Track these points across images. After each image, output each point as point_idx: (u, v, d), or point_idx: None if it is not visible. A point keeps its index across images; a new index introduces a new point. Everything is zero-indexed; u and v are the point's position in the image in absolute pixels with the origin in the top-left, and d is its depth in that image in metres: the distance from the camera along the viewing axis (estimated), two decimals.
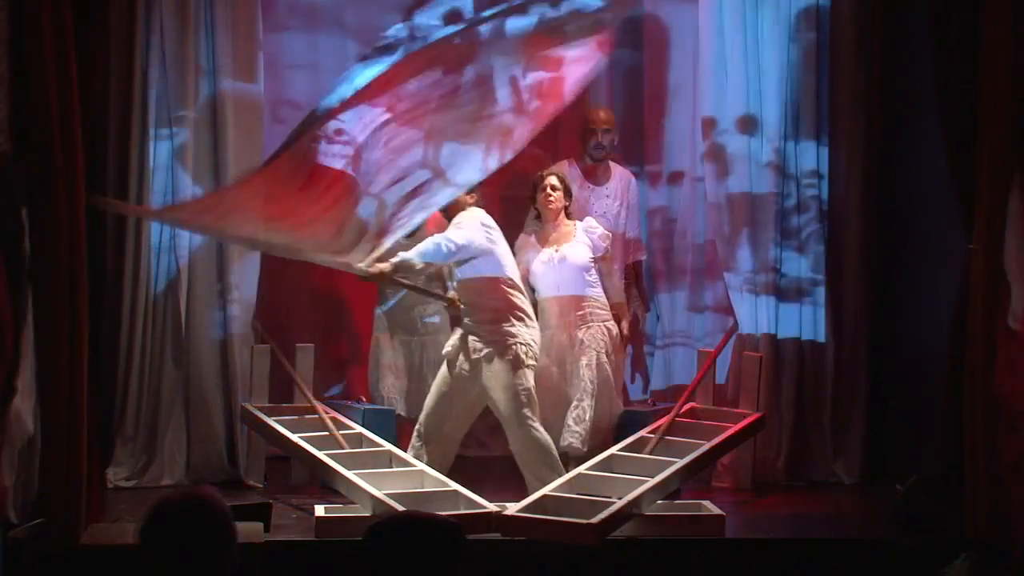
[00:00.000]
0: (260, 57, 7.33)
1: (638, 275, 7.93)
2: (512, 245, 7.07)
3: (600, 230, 7.14)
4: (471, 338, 6.76)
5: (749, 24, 7.45)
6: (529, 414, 6.64)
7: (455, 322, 6.98)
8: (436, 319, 7.45)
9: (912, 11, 7.15)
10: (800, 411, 7.51)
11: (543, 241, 7.19)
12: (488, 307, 6.75)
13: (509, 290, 6.77)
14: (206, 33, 7.20)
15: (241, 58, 7.26)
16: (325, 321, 8.28)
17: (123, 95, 7.06)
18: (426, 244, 6.68)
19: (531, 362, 6.72)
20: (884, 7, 7.50)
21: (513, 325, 6.71)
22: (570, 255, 7.07)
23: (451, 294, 6.93)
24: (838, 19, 7.46)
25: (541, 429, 6.67)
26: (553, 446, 6.70)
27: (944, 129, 6.24)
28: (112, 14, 6.80)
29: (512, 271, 6.83)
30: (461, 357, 6.78)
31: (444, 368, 6.87)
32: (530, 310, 6.85)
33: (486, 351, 6.70)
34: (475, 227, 6.73)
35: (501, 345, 6.69)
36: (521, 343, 6.70)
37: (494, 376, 6.69)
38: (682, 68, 8.16)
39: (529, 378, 6.69)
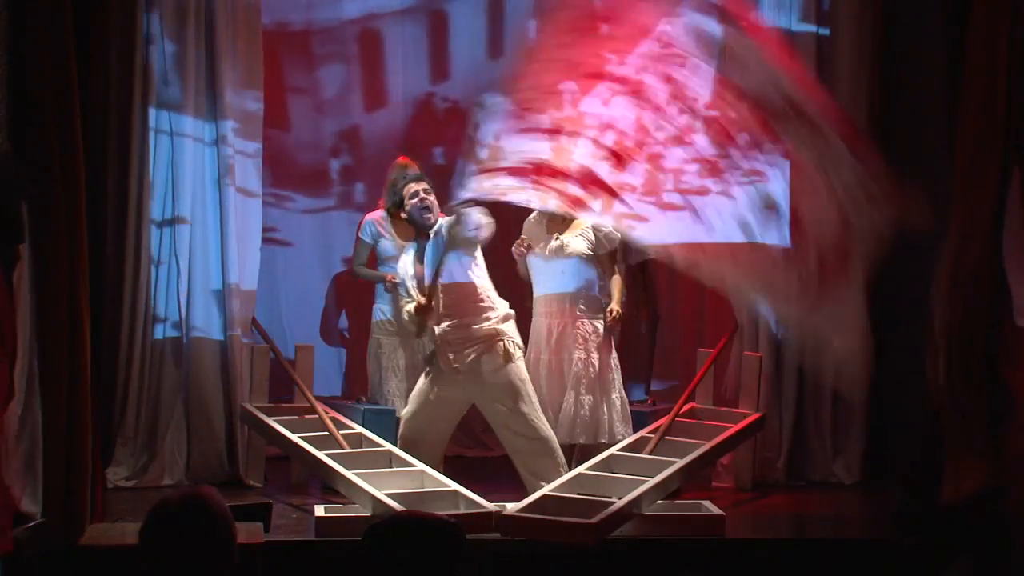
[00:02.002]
0: (260, 55, 7.33)
1: (645, 275, 7.92)
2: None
3: (607, 228, 7.11)
4: (453, 346, 6.64)
5: None
6: (530, 406, 6.63)
7: (421, 330, 6.78)
8: None
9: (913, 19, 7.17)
10: (800, 411, 7.51)
11: (551, 228, 7.17)
12: (469, 310, 6.67)
13: (487, 290, 6.75)
14: (207, 31, 7.20)
15: (242, 57, 7.26)
16: (324, 321, 8.32)
17: (123, 93, 7.06)
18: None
19: (519, 353, 6.71)
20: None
21: (492, 322, 6.67)
22: (569, 245, 7.06)
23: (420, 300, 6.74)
24: (837, 14, 7.47)
25: (543, 421, 6.66)
26: (555, 439, 6.69)
27: (948, 127, 6.24)
28: (112, 12, 6.80)
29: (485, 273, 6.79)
30: (442, 366, 6.68)
31: (425, 378, 6.75)
32: (501, 302, 6.78)
33: (474, 355, 6.63)
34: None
35: (488, 344, 6.65)
36: (507, 337, 6.68)
37: (487, 376, 6.64)
38: None
39: (522, 370, 6.70)
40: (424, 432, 6.73)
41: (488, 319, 6.68)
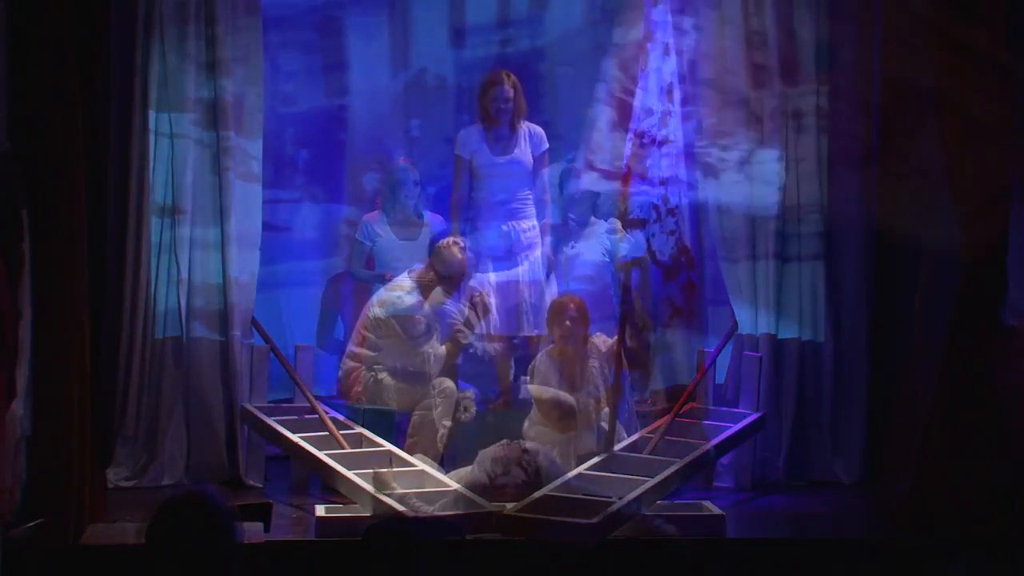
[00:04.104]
0: (261, 52, 7.33)
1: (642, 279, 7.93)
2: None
3: (620, 233, 7.10)
4: None
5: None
6: None
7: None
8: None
9: None
10: (800, 411, 7.50)
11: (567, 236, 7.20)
12: None
13: None
14: (207, 29, 7.20)
15: (241, 54, 7.26)
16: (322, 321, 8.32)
17: (124, 93, 7.06)
18: None
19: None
20: None
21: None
22: (583, 253, 7.08)
23: None
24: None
25: None
26: None
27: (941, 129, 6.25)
28: (112, 11, 6.80)
29: None
30: None
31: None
32: None
33: None
34: None
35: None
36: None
37: None
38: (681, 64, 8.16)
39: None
40: None
41: None
